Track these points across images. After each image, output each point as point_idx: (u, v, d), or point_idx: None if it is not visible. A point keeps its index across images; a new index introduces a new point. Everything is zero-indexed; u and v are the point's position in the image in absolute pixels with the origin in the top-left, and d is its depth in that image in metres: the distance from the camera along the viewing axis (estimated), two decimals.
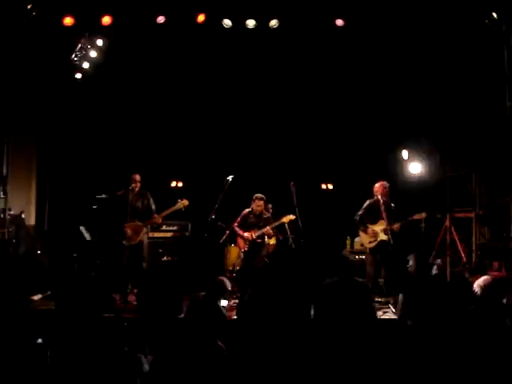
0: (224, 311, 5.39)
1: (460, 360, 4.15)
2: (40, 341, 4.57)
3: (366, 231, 7.74)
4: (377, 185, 7.76)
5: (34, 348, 4.50)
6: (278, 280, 5.63)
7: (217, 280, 5.40)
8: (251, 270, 7.66)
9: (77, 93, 9.53)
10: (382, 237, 7.60)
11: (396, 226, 7.58)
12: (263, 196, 8.09)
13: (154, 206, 7.85)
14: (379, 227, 7.64)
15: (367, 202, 7.80)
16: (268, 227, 8.03)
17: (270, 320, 4.57)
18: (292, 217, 8.09)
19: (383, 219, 7.56)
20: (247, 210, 8.18)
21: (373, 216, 7.72)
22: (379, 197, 7.60)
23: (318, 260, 8.50)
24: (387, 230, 7.52)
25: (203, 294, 5.51)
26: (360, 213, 7.80)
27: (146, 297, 6.71)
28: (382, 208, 7.55)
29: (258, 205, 8.06)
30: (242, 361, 4.49)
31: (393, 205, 7.78)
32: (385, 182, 7.75)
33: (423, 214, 7.69)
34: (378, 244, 7.65)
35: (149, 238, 8.36)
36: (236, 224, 8.18)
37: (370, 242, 7.71)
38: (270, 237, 8.33)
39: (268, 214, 8.23)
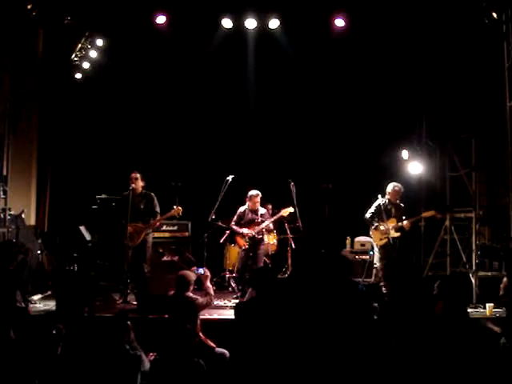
0: (200, 299, 5.42)
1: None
2: (54, 332, 4.60)
3: (377, 229, 7.83)
4: (390, 186, 7.94)
5: (47, 339, 4.53)
6: (279, 280, 5.64)
7: (179, 274, 5.45)
8: (251, 269, 7.66)
9: (77, 93, 9.53)
10: (393, 234, 7.77)
11: (406, 223, 7.76)
12: (259, 193, 8.05)
13: (158, 209, 7.76)
14: (390, 225, 7.74)
15: (378, 202, 7.90)
16: (267, 222, 8.02)
17: (270, 320, 4.57)
18: (291, 209, 8.11)
19: (394, 217, 7.80)
20: (242, 207, 8.15)
21: (383, 215, 7.81)
22: (391, 198, 7.83)
23: (317, 260, 8.53)
24: (398, 227, 7.72)
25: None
26: (371, 211, 7.92)
27: (146, 297, 6.73)
28: (393, 207, 7.83)
29: (254, 202, 8.01)
30: (241, 361, 4.50)
31: (402, 205, 7.96)
32: (397, 184, 7.90)
33: (432, 212, 7.84)
34: (389, 241, 7.74)
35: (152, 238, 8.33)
36: (233, 223, 8.16)
37: (381, 239, 7.84)
38: (269, 232, 8.31)
39: (264, 209, 8.20)
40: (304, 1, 8.47)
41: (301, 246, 8.57)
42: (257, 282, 4.90)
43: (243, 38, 9.29)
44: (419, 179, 8.79)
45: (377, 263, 7.92)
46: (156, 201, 7.76)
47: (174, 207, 7.72)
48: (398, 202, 7.93)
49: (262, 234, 8.09)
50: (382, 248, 7.84)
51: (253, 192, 8.04)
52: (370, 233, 8.09)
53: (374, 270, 8.05)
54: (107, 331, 4.51)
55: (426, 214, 7.96)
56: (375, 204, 7.94)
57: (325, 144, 10.09)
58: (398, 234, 7.78)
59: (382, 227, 7.80)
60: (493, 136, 8.34)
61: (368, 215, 7.95)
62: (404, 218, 7.82)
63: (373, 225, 7.90)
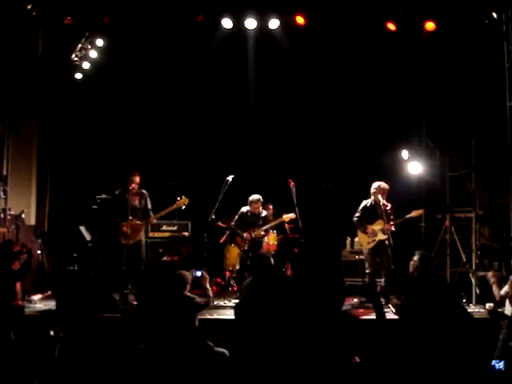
0: (198, 298, 5.42)
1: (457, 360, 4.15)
2: (52, 333, 4.63)
3: (364, 232, 7.75)
4: (375, 185, 7.77)
5: (45, 339, 4.55)
6: (278, 280, 5.64)
7: (176, 274, 5.46)
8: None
9: (77, 93, 9.53)
10: (381, 237, 7.62)
11: (393, 224, 7.60)
12: (259, 198, 8.05)
13: (150, 206, 7.84)
14: (377, 227, 7.65)
15: (364, 203, 7.84)
16: (267, 226, 8.02)
17: (269, 320, 4.58)
18: (292, 215, 8.08)
19: (381, 219, 7.59)
20: (244, 208, 8.15)
21: (370, 216, 7.74)
22: (378, 197, 7.62)
23: (317, 259, 8.54)
24: (386, 229, 7.54)
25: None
26: (358, 214, 7.84)
27: (146, 297, 6.73)
28: (382, 208, 7.58)
29: (255, 207, 8.04)
30: (240, 361, 4.50)
31: (389, 205, 7.79)
32: (383, 183, 7.77)
33: (420, 211, 7.72)
34: (377, 244, 7.66)
35: (148, 237, 8.36)
36: (233, 223, 8.17)
37: (369, 243, 7.72)
38: (267, 235, 8.32)
39: (265, 212, 8.21)
40: (304, 1, 8.47)
41: (302, 248, 8.58)
42: (255, 267, 4.90)
43: (243, 38, 9.29)
44: (419, 179, 8.77)
45: (367, 268, 7.83)
46: (149, 198, 7.83)
47: (179, 198, 7.74)
48: (384, 201, 7.68)
49: (262, 236, 8.10)
50: (369, 251, 7.73)
51: (253, 198, 8.03)
52: (358, 236, 8.04)
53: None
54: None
55: (413, 214, 7.70)
56: (361, 206, 7.85)
57: (325, 144, 10.08)
58: (385, 237, 7.58)
59: (369, 230, 7.71)
60: (493, 136, 8.34)
61: (355, 218, 7.84)
62: (392, 217, 7.68)
63: (360, 228, 7.81)
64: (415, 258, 5.53)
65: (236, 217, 8.15)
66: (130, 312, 6.48)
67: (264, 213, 8.15)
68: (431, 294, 4.82)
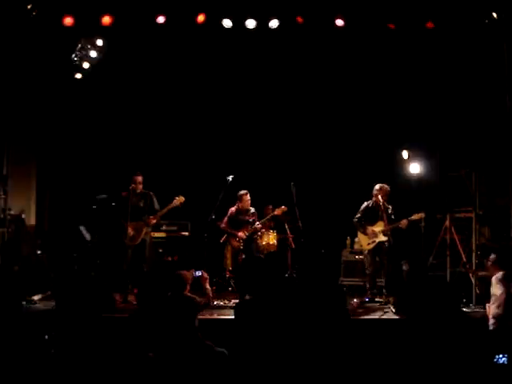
0: (197, 298, 5.41)
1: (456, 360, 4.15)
2: (46, 337, 4.64)
3: (365, 233, 7.76)
4: (377, 187, 7.77)
5: (39, 344, 4.56)
6: (275, 280, 5.65)
7: (176, 274, 5.47)
8: (247, 267, 7.72)
9: (77, 93, 9.53)
10: (381, 238, 7.63)
11: (391, 226, 7.59)
12: (247, 191, 8.19)
13: (157, 206, 7.82)
14: (378, 228, 7.66)
15: (365, 204, 7.85)
16: (259, 223, 8.04)
17: (269, 320, 4.58)
18: (284, 208, 8.15)
19: (382, 220, 7.60)
20: (233, 207, 8.18)
21: (371, 217, 7.75)
22: (379, 198, 7.63)
23: (317, 260, 8.55)
24: (386, 231, 7.54)
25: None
26: (358, 215, 7.85)
27: (146, 297, 6.74)
28: (382, 209, 7.58)
29: (245, 201, 8.09)
30: (240, 361, 4.50)
31: (390, 206, 7.79)
32: (385, 185, 7.77)
33: (421, 214, 7.72)
34: (377, 245, 7.67)
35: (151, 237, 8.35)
36: (224, 225, 8.19)
37: (369, 244, 7.73)
38: (260, 231, 8.36)
39: (253, 209, 8.22)
40: (305, 1, 8.48)
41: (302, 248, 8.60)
42: (254, 281, 4.91)
43: (243, 38, 9.29)
44: (419, 179, 8.78)
45: (367, 269, 7.82)
46: (155, 199, 7.82)
47: (176, 198, 7.76)
48: (385, 203, 7.69)
49: (256, 234, 8.13)
50: (369, 252, 7.74)
51: (242, 191, 8.15)
52: (357, 237, 8.05)
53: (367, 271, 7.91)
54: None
55: (415, 217, 7.66)
56: (362, 207, 7.86)
57: (325, 144, 10.08)
58: (385, 238, 7.59)
59: (369, 231, 7.71)
60: (493, 136, 8.34)
61: (355, 219, 7.85)
62: (393, 217, 7.70)
63: (360, 229, 7.81)
64: (405, 265, 5.55)
65: (226, 218, 8.19)
66: (130, 312, 6.50)
67: (252, 210, 8.18)
68: (423, 298, 4.85)
